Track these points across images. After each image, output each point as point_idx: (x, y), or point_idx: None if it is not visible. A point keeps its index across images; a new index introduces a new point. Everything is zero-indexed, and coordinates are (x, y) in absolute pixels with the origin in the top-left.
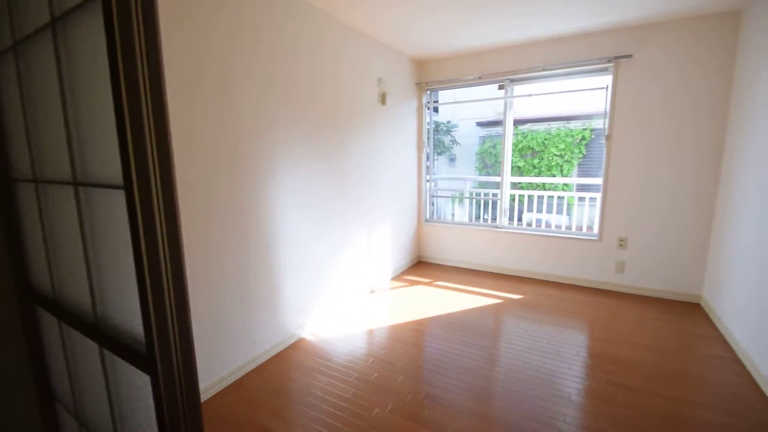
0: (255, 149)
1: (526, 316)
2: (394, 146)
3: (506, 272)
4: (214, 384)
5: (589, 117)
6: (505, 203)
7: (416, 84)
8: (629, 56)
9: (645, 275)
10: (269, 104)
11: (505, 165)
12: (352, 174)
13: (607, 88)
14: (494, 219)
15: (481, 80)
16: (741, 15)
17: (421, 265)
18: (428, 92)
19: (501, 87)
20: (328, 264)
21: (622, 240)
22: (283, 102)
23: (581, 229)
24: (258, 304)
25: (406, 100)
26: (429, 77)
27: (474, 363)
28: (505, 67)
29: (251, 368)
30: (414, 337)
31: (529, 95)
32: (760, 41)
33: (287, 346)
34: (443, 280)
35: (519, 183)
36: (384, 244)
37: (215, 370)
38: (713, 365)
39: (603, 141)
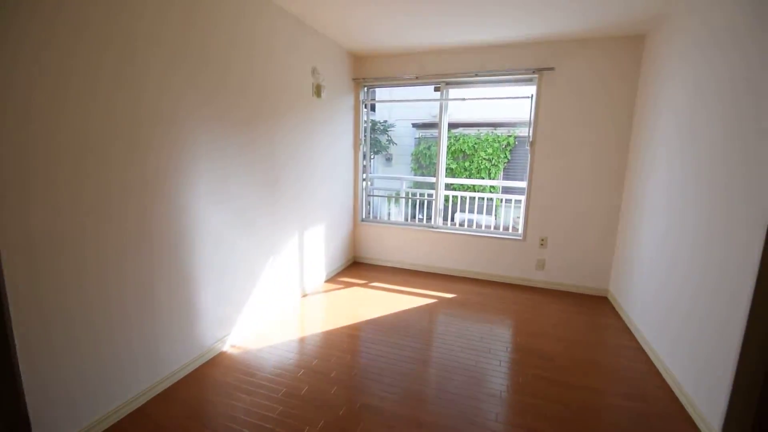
0: (162, 138)
1: (459, 314)
2: (330, 143)
3: (440, 271)
4: (103, 418)
5: (513, 125)
6: (440, 204)
7: (353, 79)
8: (552, 69)
9: (562, 272)
10: (180, 87)
11: (440, 166)
12: (284, 169)
13: (531, 97)
14: (429, 219)
15: (418, 80)
16: (645, 39)
17: (356, 266)
18: (365, 89)
19: (437, 89)
20: (256, 267)
21: (543, 239)
22: (193, 84)
23: (507, 229)
24: (167, 318)
25: (342, 95)
26: (366, 73)
27: (410, 367)
28: (442, 70)
29: (158, 392)
30: (349, 343)
31: (464, 99)
32: (657, 63)
33: (204, 362)
34: (379, 281)
35: (452, 184)
36: (318, 244)
37: (114, 397)
38: (623, 355)
39: (527, 147)
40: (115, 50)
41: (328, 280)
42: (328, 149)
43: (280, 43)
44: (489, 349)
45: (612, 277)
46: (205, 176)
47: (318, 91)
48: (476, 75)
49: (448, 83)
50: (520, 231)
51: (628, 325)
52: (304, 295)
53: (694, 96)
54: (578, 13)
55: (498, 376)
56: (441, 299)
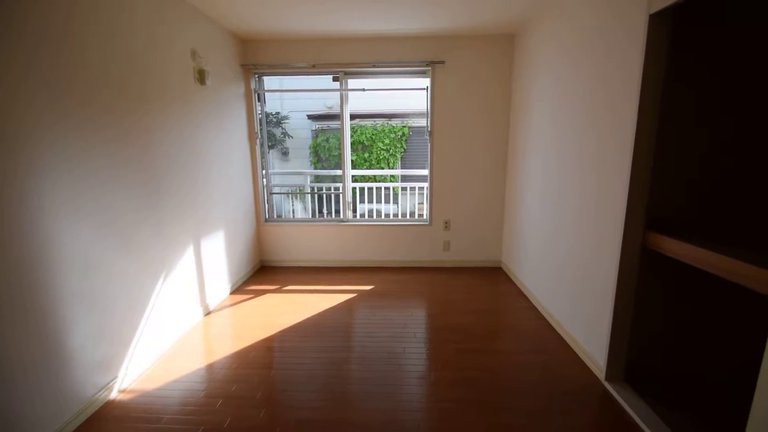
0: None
1: (381, 305)
2: (221, 136)
3: (356, 264)
4: None
5: (407, 115)
6: (348, 196)
7: (242, 65)
8: (443, 62)
9: (464, 250)
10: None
11: (345, 158)
12: (167, 171)
13: (427, 89)
14: (338, 213)
15: (315, 69)
16: (515, 37)
17: (265, 271)
18: (256, 77)
19: (336, 79)
20: (144, 291)
21: (446, 222)
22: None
23: (410, 216)
24: (20, 377)
25: (231, 83)
26: (257, 59)
27: (340, 369)
28: (340, 59)
29: None
30: (269, 358)
31: (364, 90)
32: (522, 58)
33: (86, 419)
34: (293, 284)
35: (356, 176)
36: (218, 253)
37: None
38: (522, 316)
39: (426, 137)
40: None
41: (235, 291)
42: (220, 144)
43: (151, 21)
44: (414, 333)
45: (503, 250)
46: (60, 182)
47: (201, 77)
48: (374, 65)
49: (346, 73)
50: (426, 216)
51: (522, 289)
52: (208, 313)
53: (560, 87)
54: (458, 12)
55: (424, 358)
56: (360, 292)
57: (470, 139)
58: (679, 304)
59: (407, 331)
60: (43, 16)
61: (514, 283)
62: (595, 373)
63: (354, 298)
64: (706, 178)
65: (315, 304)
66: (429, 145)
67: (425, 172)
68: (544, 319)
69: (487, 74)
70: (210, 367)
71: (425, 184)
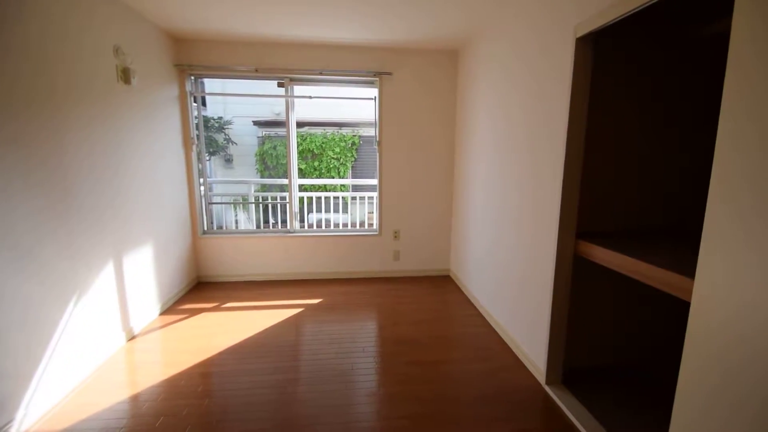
0: None
1: (328, 319)
2: (150, 141)
3: (302, 277)
4: None
5: (357, 125)
6: (295, 206)
7: (175, 66)
8: (390, 74)
9: (414, 259)
10: None
11: (292, 167)
12: (82, 181)
13: (375, 99)
14: (284, 223)
15: (258, 74)
16: (458, 53)
17: (202, 288)
18: (192, 78)
19: (281, 84)
20: (47, 316)
21: (396, 232)
22: None
23: (361, 225)
24: None
25: (162, 84)
26: (193, 60)
27: (283, 391)
28: (286, 65)
29: None
30: (204, 385)
31: (311, 97)
32: (465, 73)
33: None
34: (232, 301)
35: (304, 185)
36: (145, 270)
37: None
38: (469, 323)
39: (375, 146)
40: None
41: (166, 312)
42: (149, 150)
43: (67, 11)
44: (362, 348)
45: (451, 258)
46: None
47: (126, 76)
48: (321, 73)
49: (292, 79)
50: (375, 226)
51: (468, 296)
52: (132, 338)
53: (500, 101)
54: (396, 28)
55: (373, 373)
56: (307, 306)
57: (418, 150)
58: (614, 308)
59: (356, 346)
60: None
61: (461, 291)
62: (536, 377)
63: (300, 313)
64: (638, 187)
65: (257, 321)
66: (378, 154)
67: (375, 181)
68: (489, 326)
69: (433, 87)
70: (132, 400)
71: (375, 194)
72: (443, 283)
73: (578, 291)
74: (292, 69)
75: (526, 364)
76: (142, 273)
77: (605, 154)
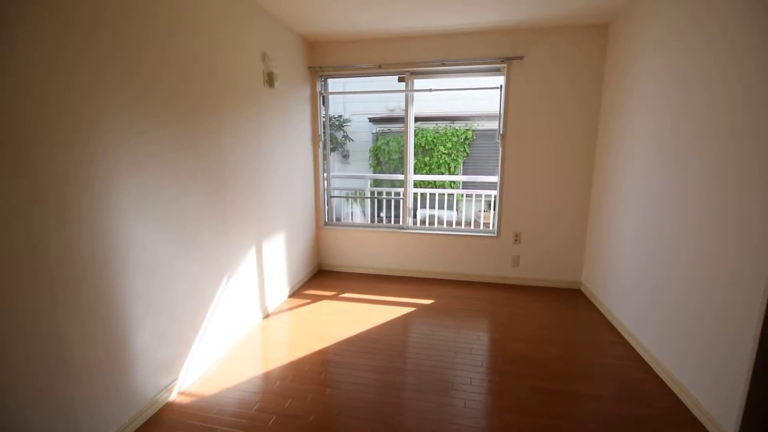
0: (57, 136)
1: (442, 323)
2: (286, 139)
3: (414, 275)
4: None
5: (471, 118)
6: (410, 202)
7: (309, 68)
8: (520, 58)
9: (536, 267)
10: (74, 57)
11: (408, 162)
12: (232, 172)
13: (501, 87)
14: (396, 218)
15: (381, 70)
16: (609, 28)
17: (322, 276)
18: (322, 80)
19: (401, 79)
20: (206, 292)
21: (517, 235)
22: (109, 65)
23: (467, 225)
24: (85, 376)
25: (297, 86)
26: (323, 61)
27: (396, 396)
28: (406, 58)
29: None
30: (324, 373)
31: (431, 90)
32: (620, 52)
33: (145, 421)
34: (349, 291)
35: (418, 181)
36: (278, 255)
37: None
38: (608, 351)
39: (497, 140)
40: None
41: (292, 295)
42: (285, 146)
43: (226, 25)
44: (481, 362)
45: (585, 269)
46: (131, 184)
47: (270, 79)
48: (443, 64)
49: (413, 73)
50: (492, 227)
51: (609, 318)
52: (266, 316)
53: (674, 88)
54: (540, 1)
55: (496, 395)
56: (419, 306)
57: (549, 144)
58: None
59: (473, 358)
60: (118, 22)
61: (598, 310)
62: None
63: (412, 312)
64: None
65: (371, 316)
66: (500, 149)
67: (493, 178)
68: (639, 358)
69: (572, 71)
70: (265, 377)
71: (492, 192)
72: (572, 298)
73: None
74: (413, 62)
75: (699, 417)
76: (276, 258)
77: None
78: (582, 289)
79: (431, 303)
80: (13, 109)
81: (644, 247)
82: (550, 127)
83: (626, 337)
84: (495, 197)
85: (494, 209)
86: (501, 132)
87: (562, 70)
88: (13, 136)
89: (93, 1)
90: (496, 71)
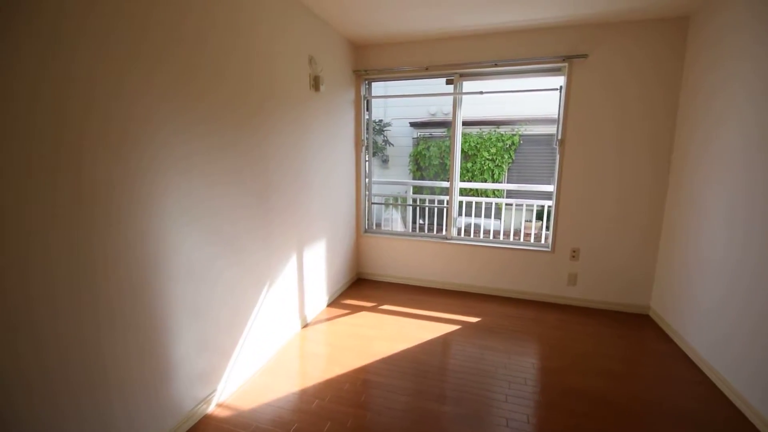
0: (109, 142)
1: (490, 346)
2: (329, 143)
3: (458, 288)
4: None
5: (518, 122)
6: (455, 211)
7: (354, 71)
8: (584, 56)
9: (596, 287)
10: (120, 67)
11: (454, 169)
12: (275, 177)
13: (561, 89)
14: (438, 227)
15: (428, 72)
16: (689, 21)
17: (361, 285)
18: (366, 83)
19: (449, 81)
20: (247, 301)
21: (574, 251)
22: (159, 71)
23: (512, 236)
24: (127, 385)
25: (342, 89)
26: (368, 64)
27: (442, 426)
28: (456, 59)
29: None
30: (365, 394)
31: (482, 92)
32: (702, 49)
33: None
34: (389, 303)
35: (464, 189)
36: (318, 263)
37: None
38: (688, 390)
39: (555, 146)
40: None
41: (331, 304)
42: (327, 150)
43: (272, 27)
44: (534, 392)
45: (654, 292)
46: (177, 188)
47: (316, 83)
48: (495, 65)
49: (462, 75)
50: (545, 240)
51: (685, 350)
52: (305, 326)
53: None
54: None
55: None
56: (464, 324)
57: (614, 152)
58: None
59: (527, 389)
60: (169, 24)
61: (670, 340)
62: None
63: (457, 330)
64: None
65: (412, 332)
66: (557, 156)
67: (548, 188)
68: (726, 400)
69: (644, 71)
70: (303, 394)
71: (544, 202)
72: (639, 325)
73: None
74: (463, 63)
75: None
76: (316, 266)
77: None
78: (651, 314)
79: (477, 321)
80: (53, 117)
81: (732, 269)
82: (616, 132)
83: (708, 374)
84: (548, 208)
85: (546, 220)
86: (559, 137)
87: (631, 69)
88: (61, 140)
89: (167, 20)
90: (556, 71)
